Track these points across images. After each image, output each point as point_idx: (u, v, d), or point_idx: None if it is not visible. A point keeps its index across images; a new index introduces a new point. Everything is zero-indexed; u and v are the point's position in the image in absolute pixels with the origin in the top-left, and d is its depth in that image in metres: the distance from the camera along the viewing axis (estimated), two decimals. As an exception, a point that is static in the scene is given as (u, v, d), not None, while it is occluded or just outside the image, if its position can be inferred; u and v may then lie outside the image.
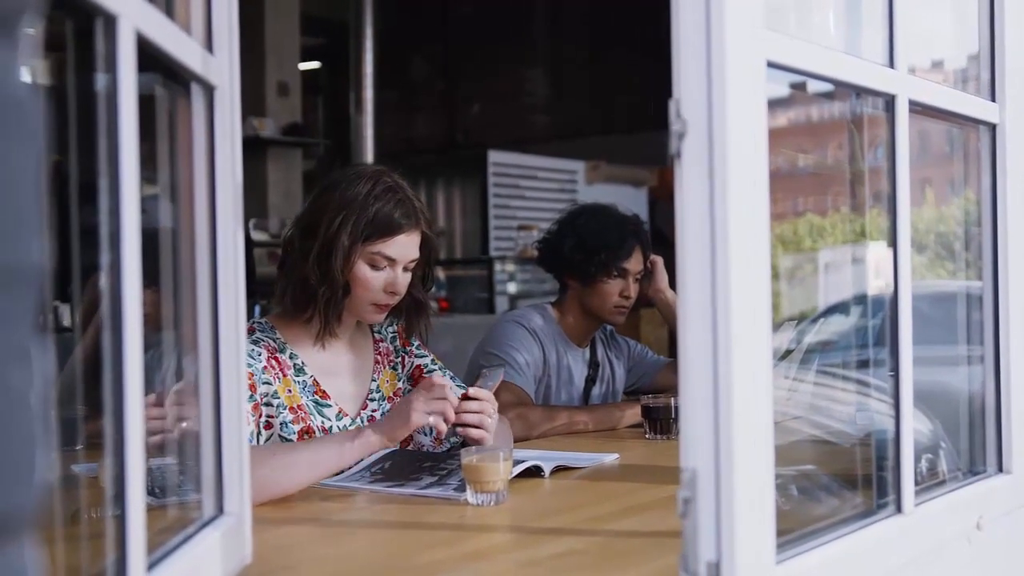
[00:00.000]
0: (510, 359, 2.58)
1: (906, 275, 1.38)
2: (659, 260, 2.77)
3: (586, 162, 8.16)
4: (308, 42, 7.61)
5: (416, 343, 2.16)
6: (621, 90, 8.26)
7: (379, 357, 2.09)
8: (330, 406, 1.96)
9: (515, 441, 2.21)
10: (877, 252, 1.45)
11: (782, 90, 1.24)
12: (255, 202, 6.76)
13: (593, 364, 2.80)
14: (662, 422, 2.35)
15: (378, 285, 1.94)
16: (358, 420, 1.99)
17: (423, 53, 9.35)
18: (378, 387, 2.06)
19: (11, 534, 0.63)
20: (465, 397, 1.87)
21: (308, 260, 1.91)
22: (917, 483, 1.40)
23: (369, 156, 6.53)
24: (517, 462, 1.78)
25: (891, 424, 1.38)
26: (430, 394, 1.79)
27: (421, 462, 1.88)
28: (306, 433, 1.90)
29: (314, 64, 8.85)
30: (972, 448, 1.69)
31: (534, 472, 1.85)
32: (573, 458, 2.00)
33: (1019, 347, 1.65)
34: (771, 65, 1.12)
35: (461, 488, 1.68)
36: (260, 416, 1.85)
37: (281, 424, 1.88)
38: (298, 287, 1.94)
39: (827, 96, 1.50)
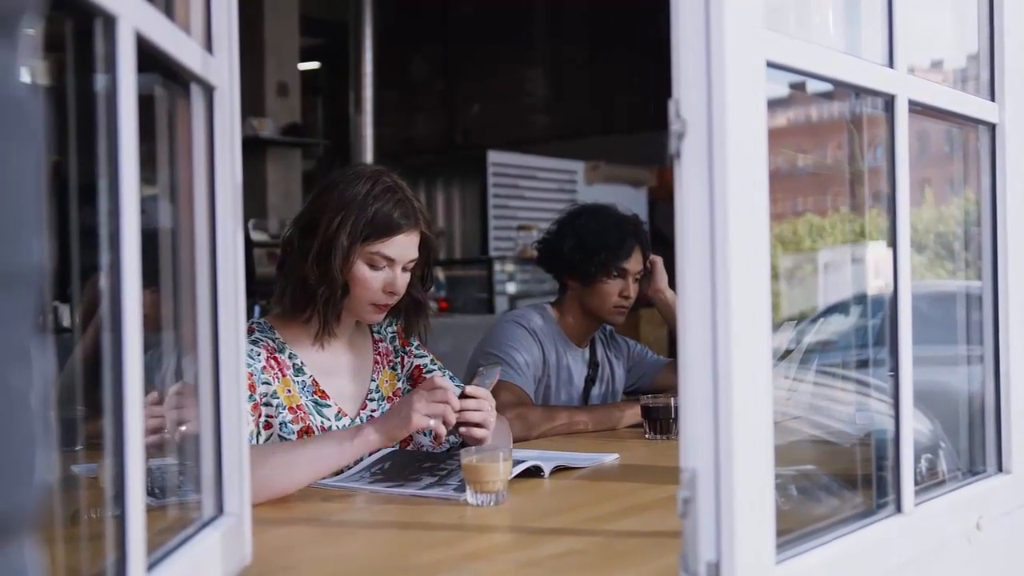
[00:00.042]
0: (510, 359, 2.57)
1: (906, 275, 1.38)
2: (659, 260, 2.77)
3: (586, 162, 8.15)
4: (307, 42, 7.61)
5: (415, 343, 2.16)
6: (621, 90, 8.26)
7: (378, 357, 2.09)
8: (329, 406, 1.96)
9: (515, 441, 2.21)
10: (877, 252, 1.45)
11: (782, 90, 1.24)
12: (254, 202, 6.76)
13: (593, 364, 2.80)
14: (662, 422, 2.35)
15: (377, 285, 1.94)
16: (357, 420, 1.98)
17: (423, 53, 9.35)
18: (377, 387, 2.06)
19: (11, 534, 0.63)
20: (463, 396, 1.87)
21: (307, 260, 1.91)
22: (917, 483, 1.40)
23: (369, 156, 6.53)
24: (517, 462, 1.78)
25: (891, 424, 1.38)
26: (431, 396, 1.79)
27: (421, 462, 1.88)
28: (305, 433, 1.89)
29: (313, 64, 8.85)
30: (972, 448, 1.69)
31: (534, 472, 1.85)
32: (573, 458, 2.00)
33: (1019, 347, 1.65)
34: (771, 65, 1.12)
35: (461, 488, 1.68)
36: (259, 416, 1.85)
37: (280, 424, 1.88)
38: (297, 287, 1.94)
39: (827, 96, 1.50)
